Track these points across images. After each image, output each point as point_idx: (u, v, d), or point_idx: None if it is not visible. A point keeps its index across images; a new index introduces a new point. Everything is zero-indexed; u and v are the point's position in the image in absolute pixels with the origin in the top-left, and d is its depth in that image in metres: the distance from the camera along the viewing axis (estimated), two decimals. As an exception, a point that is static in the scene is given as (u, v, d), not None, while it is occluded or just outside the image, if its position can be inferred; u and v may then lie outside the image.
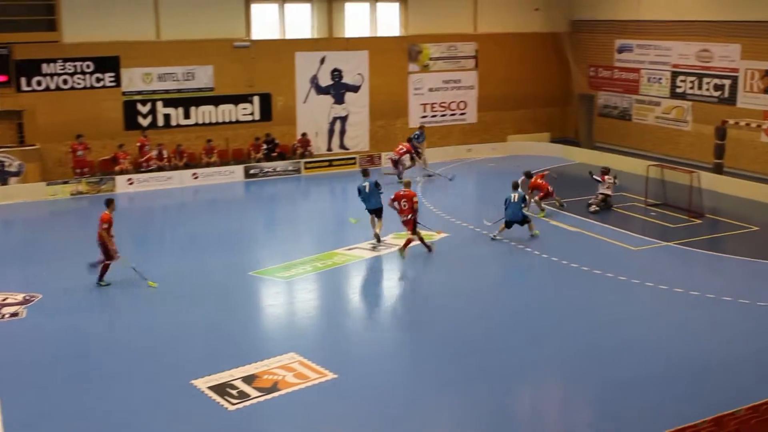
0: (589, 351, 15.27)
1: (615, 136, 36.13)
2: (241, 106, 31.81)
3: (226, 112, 31.60)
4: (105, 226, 18.33)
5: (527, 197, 23.06)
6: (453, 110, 36.07)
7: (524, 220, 22.26)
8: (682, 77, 32.99)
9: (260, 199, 29.03)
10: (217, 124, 31.47)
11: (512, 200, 22.15)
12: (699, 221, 24.67)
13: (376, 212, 21.98)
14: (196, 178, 29.92)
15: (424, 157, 31.36)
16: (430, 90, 35.33)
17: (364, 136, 34.25)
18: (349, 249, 21.63)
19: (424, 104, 35.28)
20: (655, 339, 15.84)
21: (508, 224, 22.24)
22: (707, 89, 31.91)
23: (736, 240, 23.01)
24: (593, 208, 25.52)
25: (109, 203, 18.71)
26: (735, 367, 14.61)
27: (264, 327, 16.86)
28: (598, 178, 25.84)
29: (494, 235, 22.35)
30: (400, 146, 30.08)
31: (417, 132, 31.69)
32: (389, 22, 34.48)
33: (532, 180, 25.62)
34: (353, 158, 33.09)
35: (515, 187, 22.43)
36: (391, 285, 19.76)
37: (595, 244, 22.36)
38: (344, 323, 16.93)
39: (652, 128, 34.49)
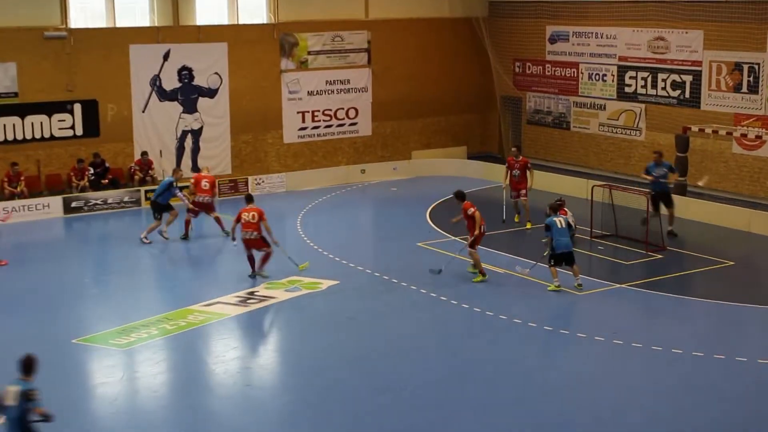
0: (523, 429, 15.39)
1: (549, 150, 36.94)
2: (57, 117, 31.31)
3: (37, 125, 31.03)
4: None
5: (573, 222, 23.58)
6: (340, 119, 36.29)
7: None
8: (631, 73, 34.05)
9: (86, 240, 28.50)
10: (23, 141, 30.88)
11: (558, 226, 22.12)
12: (659, 256, 25.33)
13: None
14: (-4, 215, 29.19)
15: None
16: (310, 93, 35.46)
17: (224, 156, 34.06)
18: (209, 304, 21.44)
19: (303, 112, 35.38)
20: (608, 410, 16.08)
21: (561, 259, 22.17)
22: (663, 88, 33.00)
23: (707, 278, 23.72)
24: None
25: None
26: (712, 440, 14.96)
27: (95, 414, 16.41)
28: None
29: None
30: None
31: None
32: (254, 6, 34.53)
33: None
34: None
35: (555, 209, 22.66)
36: (264, 351, 19.59)
37: (528, 289, 22.65)
38: (204, 405, 16.64)
39: (596, 138, 35.43)
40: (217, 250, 26.53)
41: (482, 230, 22.95)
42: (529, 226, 28.07)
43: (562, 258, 22.22)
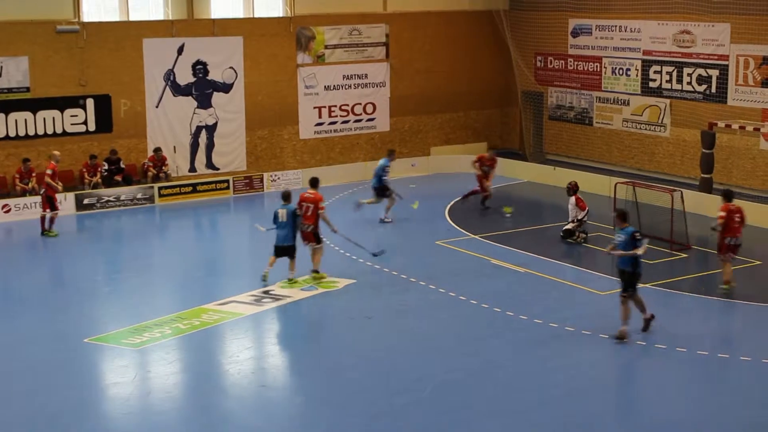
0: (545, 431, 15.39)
1: (571, 146, 36.87)
2: (70, 112, 31.39)
3: (49, 120, 31.13)
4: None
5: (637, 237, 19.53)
6: (358, 115, 36.30)
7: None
8: (656, 67, 33.94)
9: (99, 238, 28.56)
10: (36, 137, 30.96)
11: (619, 240, 19.36)
12: (684, 255, 25.26)
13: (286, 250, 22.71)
14: (7, 212, 29.28)
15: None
16: (327, 88, 35.48)
17: (239, 152, 34.12)
18: (223, 303, 21.44)
19: (319, 107, 35.41)
20: (631, 412, 16.04)
21: (629, 279, 19.35)
22: (689, 83, 32.90)
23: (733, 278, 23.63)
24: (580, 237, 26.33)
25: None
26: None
27: (107, 414, 16.46)
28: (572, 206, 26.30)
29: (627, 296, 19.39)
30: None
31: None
32: (270, 0, 34.54)
33: None
34: (225, 181, 32.92)
35: (623, 218, 19.70)
36: (279, 351, 19.59)
37: (550, 288, 22.62)
38: (218, 406, 16.68)
39: (620, 134, 35.34)
40: (232, 248, 26.56)
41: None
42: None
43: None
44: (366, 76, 36.20)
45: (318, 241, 22.99)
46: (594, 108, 36.23)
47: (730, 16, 31.26)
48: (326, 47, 35.29)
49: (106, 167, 31.32)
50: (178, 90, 32.85)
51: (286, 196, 22.95)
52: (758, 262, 24.60)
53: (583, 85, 36.50)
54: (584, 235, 26.26)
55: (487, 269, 24.01)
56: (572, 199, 26.38)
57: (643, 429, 15.42)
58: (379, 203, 29.19)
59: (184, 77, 32.90)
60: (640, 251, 18.93)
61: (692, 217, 27.01)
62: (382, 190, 29.04)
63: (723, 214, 21.88)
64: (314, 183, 23.49)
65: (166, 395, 17.06)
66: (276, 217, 22.65)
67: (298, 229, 22.79)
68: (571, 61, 36.81)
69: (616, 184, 27.79)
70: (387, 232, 29.86)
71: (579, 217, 26.13)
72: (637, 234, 19.15)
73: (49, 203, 27.37)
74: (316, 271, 22.94)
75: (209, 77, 33.32)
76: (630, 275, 19.09)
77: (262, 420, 16.05)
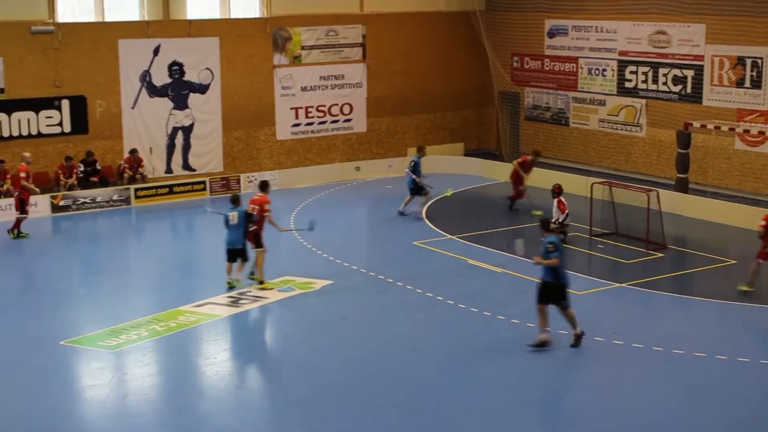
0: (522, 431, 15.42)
1: (548, 146, 36.93)
2: (45, 113, 31.25)
3: (24, 122, 30.98)
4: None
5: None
6: (335, 116, 36.28)
7: None
8: (632, 68, 34.07)
9: (75, 240, 28.46)
10: (10, 138, 30.81)
11: (541, 250, 19.01)
12: (660, 254, 25.37)
13: (238, 253, 22.31)
14: (-18, 214, 29.15)
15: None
16: (304, 89, 35.46)
17: (215, 153, 34.05)
18: (199, 305, 21.39)
19: (296, 108, 35.38)
20: (608, 412, 16.10)
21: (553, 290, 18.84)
22: (665, 83, 33.03)
23: (709, 277, 23.75)
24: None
25: None
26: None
27: (83, 417, 16.40)
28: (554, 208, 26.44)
29: None
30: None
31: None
32: (246, 1, 34.49)
33: None
34: (202, 182, 32.85)
35: (545, 226, 19.17)
36: (256, 353, 19.55)
37: (527, 288, 22.64)
38: (195, 407, 16.65)
39: (596, 135, 35.45)
40: (208, 250, 26.46)
41: None
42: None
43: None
44: (343, 76, 36.19)
45: (258, 244, 22.62)
46: (570, 108, 36.34)
47: (705, 17, 31.41)
48: (303, 48, 35.26)
49: (82, 169, 31.19)
50: (154, 91, 32.75)
51: (234, 200, 22.66)
52: (733, 262, 24.72)
53: (559, 86, 36.60)
54: (563, 236, 26.31)
55: (464, 270, 24.06)
56: (555, 201, 26.49)
57: (623, 428, 15.47)
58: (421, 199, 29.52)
59: (160, 78, 32.80)
60: (547, 263, 18.28)
61: (668, 217, 27.15)
62: (417, 189, 29.46)
63: (764, 223, 22.05)
64: (263, 186, 23.39)
65: (142, 397, 17.01)
66: (227, 220, 22.36)
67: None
68: (547, 62, 36.90)
69: (592, 184, 27.89)
70: (364, 233, 29.94)
71: (560, 220, 26.19)
72: (550, 245, 18.29)
73: (21, 206, 27.22)
74: (262, 281, 22.56)
75: (185, 78, 33.23)
76: (552, 286, 18.48)
77: (239, 422, 16.00)
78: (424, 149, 30.50)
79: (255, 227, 22.55)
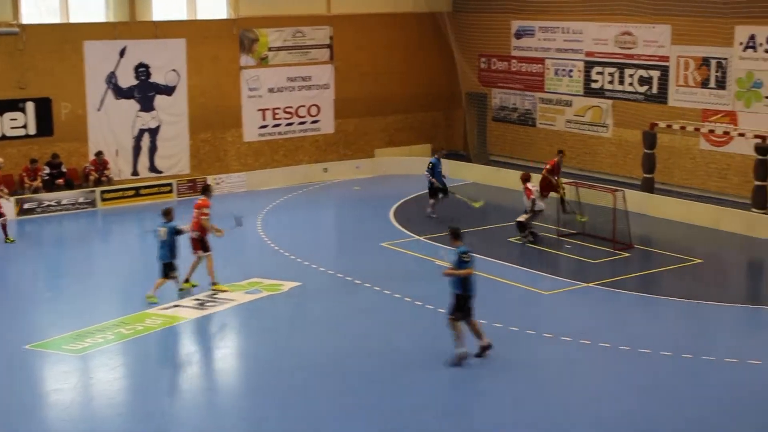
0: (492, 430, 15.45)
1: (515, 147, 37.05)
2: (9, 116, 31.07)
3: (-12, 124, 30.80)
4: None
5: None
6: (302, 117, 36.22)
7: None
8: (598, 68, 34.21)
9: (40, 243, 28.29)
10: (-25, 141, 30.59)
11: (451, 260, 18.48)
12: (626, 254, 25.48)
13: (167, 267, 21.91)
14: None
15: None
16: (271, 90, 35.38)
17: (182, 155, 33.91)
18: (166, 308, 21.30)
19: (263, 110, 35.29)
20: (575, 411, 16.16)
21: (459, 302, 18.19)
22: (631, 84, 33.19)
23: (675, 276, 23.88)
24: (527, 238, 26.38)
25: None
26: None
27: (48, 422, 16.28)
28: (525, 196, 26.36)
29: None
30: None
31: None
32: (213, 2, 34.39)
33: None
34: (168, 185, 32.72)
35: (456, 236, 18.59)
36: (224, 355, 19.49)
37: (493, 289, 22.71)
38: (163, 411, 16.55)
39: (563, 135, 35.57)
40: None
41: None
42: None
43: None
44: (310, 78, 36.14)
45: (204, 249, 22.40)
46: (537, 109, 36.45)
47: (671, 18, 31.61)
48: (270, 49, 35.18)
49: (47, 171, 30.98)
50: (120, 93, 32.58)
51: (166, 213, 22.06)
52: (699, 261, 24.88)
53: (526, 87, 36.71)
54: (532, 238, 26.36)
55: (432, 270, 24.01)
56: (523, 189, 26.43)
57: (589, 426, 15.52)
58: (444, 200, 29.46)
59: (126, 80, 32.62)
60: (461, 273, 17.74)
61: (634, 217, 27.30)
62: (435, 190, 29.39)
63: None
64: (204, 190, 23.35)
65: (109, 401, 16.91)
66: (156, 235, 22.00)
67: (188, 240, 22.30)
68: (514, 63, 37.00)
69: (560, 184, 27.95)
70: (332, 234, 29.93)
71: (528, 207, 26.10)
72: (465, 255, 17.77)
73: None
74: (215, 283, 22.33)
75: (152, 80, 33.07)
76: (460, 298, 17.89)
77: (207, 424, 15.94)
78: (440, 150, 30.87)
79: (197, 233, 22.35)
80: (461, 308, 17.93)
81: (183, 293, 22.11)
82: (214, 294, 22.05)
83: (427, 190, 29.80)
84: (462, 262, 17.76)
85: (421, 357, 18.52)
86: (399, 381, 17.34)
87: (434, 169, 29.25)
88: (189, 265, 22.45)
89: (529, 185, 26.32)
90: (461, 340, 17.92)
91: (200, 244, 22.37)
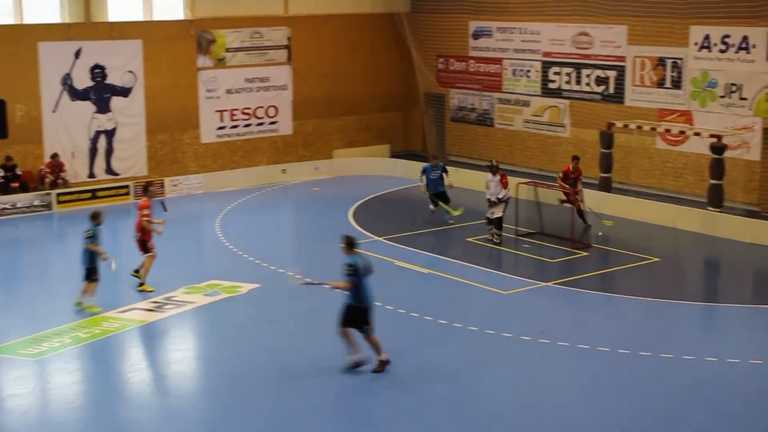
0: (448, 429, 15.45)
1: (474, 147, 37.14)
2: (-37, 118, 30.69)
3: (-58, 127, 30.43)
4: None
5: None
6: (260, 118, 36.11)
7: None
8: (555, 69, 34.37)
9: (-6, 247, 28.03)
10: (-72, 144, 30.26)
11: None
12: (585, 253, 25.62)
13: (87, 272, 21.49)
14: None
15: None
16: (229, 92, 35.24)
17: (139, 157, 33.70)
18: (124, 311, 21.18)
19: (221, 111, 35.14)
20: (534, 410, 16.20)
21: (355, 314, 17.80)
22: (588, 84, 33.37)
23: (632, 275, 24.02)
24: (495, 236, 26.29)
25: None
26: (639, 439, 15.17)
27: (3, 428, 16.08)
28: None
29: None
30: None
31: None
32: (169, 2, 34.20)
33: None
34: (125, 187, 32.51)
35: (350, 246, 17.68)
36: (183, 358, 19.35)
37: (454, 289, 22.76)
38: (121, 416, 16.43)
39: (521, 135, 35.71)
40: (132, 255, 26.18)
41: None
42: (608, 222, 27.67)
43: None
44: (268, 79, 36.04)
45: (145, 250, 22.42)
46: (495, 109, 36.55)
47: (627, 18, 31.81)
48: (227, 50, 35.04)
49: (2, 174, 30.65)
50: (76, 94, 32.31)
51: (94, 216, 21.50)
52: (656, 259, 25.05)
53: (484, 87, 36.81)
54: (498, 238, 26.37)
55: (391, 271, 24.06)
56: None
57: (549, 424, 15.57)
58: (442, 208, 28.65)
59: (82, 81, 32.36)
60: (340, 287, 17.39)
61: (592, 216, 27.44)
62: (438, 196, 28.65)
63: None
64: (144, 188, 23.40)
65: (66, 406, 16.74)
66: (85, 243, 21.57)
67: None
68: (472, 63, 37.09)
69: (518, 184, 28.05)
70: (291, 236, 29.85)
71: (501, 197, 26.02)
72: (350, 268, 17.26)
73: None
74: (142, 283, 22.46)
75: (108, 81, 32.83)
76: (354, 309, 17.45)
77: (165, 428, 15.85)
78: (434, 157, 30.00)
79: (139, 234, 22.35)
80: (353, 319, 17.43)
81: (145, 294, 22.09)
82: (174, 296, 21.95)
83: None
84: (345, 275, 17.27)
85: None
86: (358, 382, 17.30)
87: (425, 175, 28.75)
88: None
89: (489, 177, 26.30)
90: (353, 346, 17.50)
91: (142, 246, 22.44)
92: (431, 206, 28.75)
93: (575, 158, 28.30)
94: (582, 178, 28.17)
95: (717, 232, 27.20)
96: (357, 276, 17.30)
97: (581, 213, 27.41)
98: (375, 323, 17.65)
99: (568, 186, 27.39)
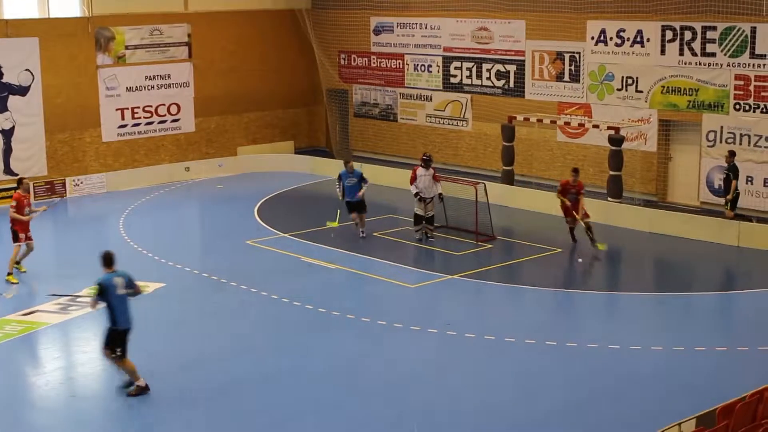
0: (358, 423, 15.51)
1: (377, 142, 37.24)
2: None
3: None
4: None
5: None
6: (162, 116, 35.73)
7: None
8: (456, 63, 34.62)
9: None
10: None
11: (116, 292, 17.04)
12: (489, 245, 25.88)
13: None
14: None
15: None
16: (129, 89, 34.79)
17: (39, 156, 33.09)
18: (27, 314, 20.86)
19: (122, 109, 34.68)
20: (443, 402, 16.32)
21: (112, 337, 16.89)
22: (488, 78, 33.69)
23: (536, 266, 24.34)
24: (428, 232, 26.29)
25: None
26: (550, 423, 15.41)
27: None
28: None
29: None
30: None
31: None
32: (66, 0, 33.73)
33: None
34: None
35: (108, 262, 16.90)
36: (89, 360, 19.05)
37: (361, 284, 22.83)
38: (26, 420, 16.21)
39: (424, 130, 35.91)
40: (34, 256, 25.75)
41: None
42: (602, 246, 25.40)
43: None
44: (169, 76, 35.66)
45: (15, 239, 23.14)
46: (398, 104, 36.70)
47: (525, 13, 32.18)
48: (127, 48, 34.58)
49: None
50: (-29, 94, 31.69)
51: None
52: (559, 250, 25.39)
53: (386, 82, 36.92)
54: (431, 232, 26.43)
55: (298, 267, 24.04)
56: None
57: (458, 415, 15.70)
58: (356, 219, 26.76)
59: (-23, 81, 31.75)
60: (91, 304, 16.89)
61: (496, 209, 27.74)
62: (354, 205, 26.54)
63: None
64: (18, 183, 23.90)
65: (-31, 413, 16.44)
66: None
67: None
68: (374, 59, 37.17)
69: (421, 178, 28.22)
70: (196, 234, 29.61)
71: (434, 193, 26.02)
72: (97, 287, 16.46)
73: None
74: (9, 273, 23.03)
75: (4, 80, 32.15)
76: (109, 331, 16.72)
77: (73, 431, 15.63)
78: (347, 162, 27.01)
79: (10, 224, 23.12)
80: (112, 341, 16.64)
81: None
82: (79, 297, 21.63)
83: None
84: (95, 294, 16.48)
85: (288, 353, 18.51)
86: (267, 379, 17.27)
87: (341, 181, 26.50)
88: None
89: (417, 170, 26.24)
90: (131, 370, 16.67)
91: (13, 235, 23.18)
92: (350, 215, 26.77)
93: (575, 171, 25.85)
94: (584, 192, 25.70)
95: (617, 222, 27.68)
96: (105, 296, 16.41)
97: (588, 229, 25.32)
98: (129, 347, 16.80)
99: (568, 201, 25.37)
